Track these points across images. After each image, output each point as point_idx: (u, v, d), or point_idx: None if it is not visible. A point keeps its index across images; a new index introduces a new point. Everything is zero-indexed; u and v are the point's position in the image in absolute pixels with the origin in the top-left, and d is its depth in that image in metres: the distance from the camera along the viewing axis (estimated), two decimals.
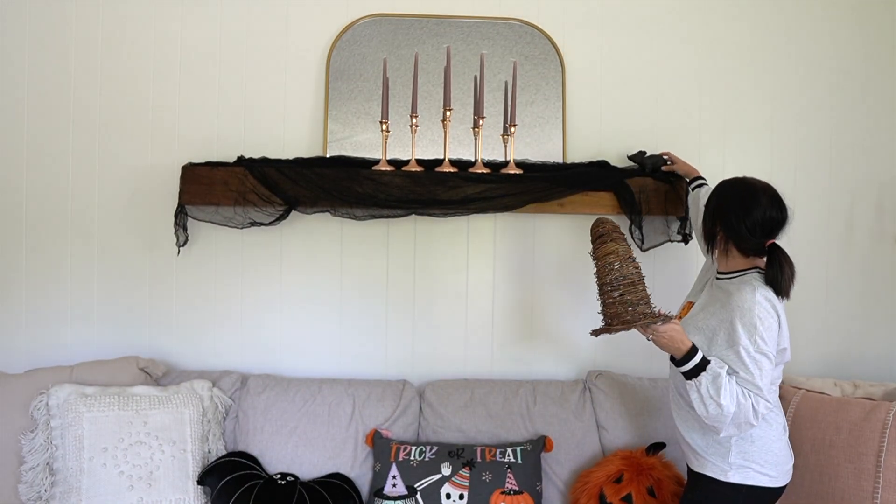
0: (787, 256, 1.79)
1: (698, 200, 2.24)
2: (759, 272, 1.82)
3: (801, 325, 2.60)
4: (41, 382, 2.24)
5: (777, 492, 1.82)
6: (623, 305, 1.79)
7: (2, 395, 2.21)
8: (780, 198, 1.82)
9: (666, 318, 1.75)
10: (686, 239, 2.43)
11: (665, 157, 2.43)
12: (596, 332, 1.86)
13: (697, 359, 1.72)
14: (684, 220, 2.42)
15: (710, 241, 1.90)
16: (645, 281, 1.84)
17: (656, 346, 1.78)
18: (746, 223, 1.78)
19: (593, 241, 1.93)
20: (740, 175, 1.91)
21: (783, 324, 1.78)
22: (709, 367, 1.72)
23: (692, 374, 1.73)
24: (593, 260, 1.92)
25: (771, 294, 1.77)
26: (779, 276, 1.76)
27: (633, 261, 1.84)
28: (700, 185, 2.31)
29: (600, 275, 1.87)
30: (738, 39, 2.62)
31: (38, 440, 2.16)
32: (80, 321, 2.54)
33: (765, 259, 1.83)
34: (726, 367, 1.74)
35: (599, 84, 2.60)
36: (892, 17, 2.63)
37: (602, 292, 1.86)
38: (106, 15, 2.53)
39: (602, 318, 1.87)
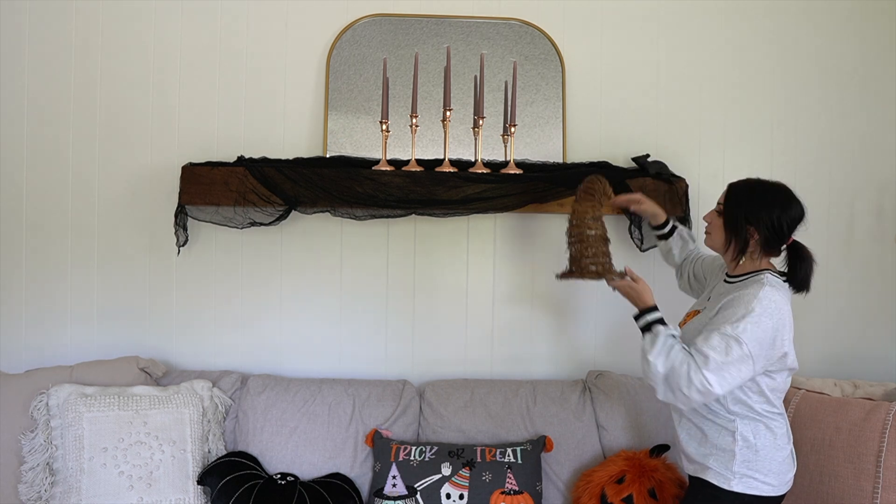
0: (809, 250, 1.82)
1: (682, 241, 2.22)
2: (770, 273, 1.80)
3: (802, 325, 2.58)
4: (41, 382, 2.24)
5: (776, 500, 1.81)
6: (581, 257, 2.01)
7: (2, 395, 2.21)
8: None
9: (620, 275, 1.92)
10: None
11: (622, 273, 2.00)
12: (559, 276, 2.09)
13: (649, 318, 1.81)
14: (684, 220, 2.42)
15: (742, 246, 1.82)
16: (605, 238, 2.02)
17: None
18: (787, 221, 1.78)
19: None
20: (728, 177, 1.94)
21: (786, 328, 1.73)
22: (655, 327, 1.78)
23: (645, 331, 1.81)
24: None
25: (778, 295, 1.74)
26: (808, 271, 1.80)
27: (596, 220, 2.02)
28: (674, 229, 2.23)
29: (569, 229, 2.08)
30: (738, 39, 2.62)
31: (38, 440, 2.16)
32: (80, 321, 2.54)
33: (771, 260, 1.85)
34: (676, 334, 1.78)
35: (599, 84, 2.60)
36: (891, 17, 2.63)
37: (568, 243, 2.09)
38: (106, 15, 2.53)
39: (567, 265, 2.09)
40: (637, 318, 1.85)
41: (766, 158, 2.62)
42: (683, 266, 2.22)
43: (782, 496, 1.82)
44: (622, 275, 1.92)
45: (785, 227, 1.79)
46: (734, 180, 1.90)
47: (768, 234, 1.79)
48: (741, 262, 1.85)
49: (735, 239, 1.83)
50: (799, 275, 1.81)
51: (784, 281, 1.82)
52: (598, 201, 2.04)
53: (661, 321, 1.81)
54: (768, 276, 1.79)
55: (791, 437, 1.86)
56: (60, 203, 2.53)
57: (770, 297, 1.73)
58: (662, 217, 2.20)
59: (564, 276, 2.07)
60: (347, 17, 2.56)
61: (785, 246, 1.83)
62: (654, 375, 1.74)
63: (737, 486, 1.77)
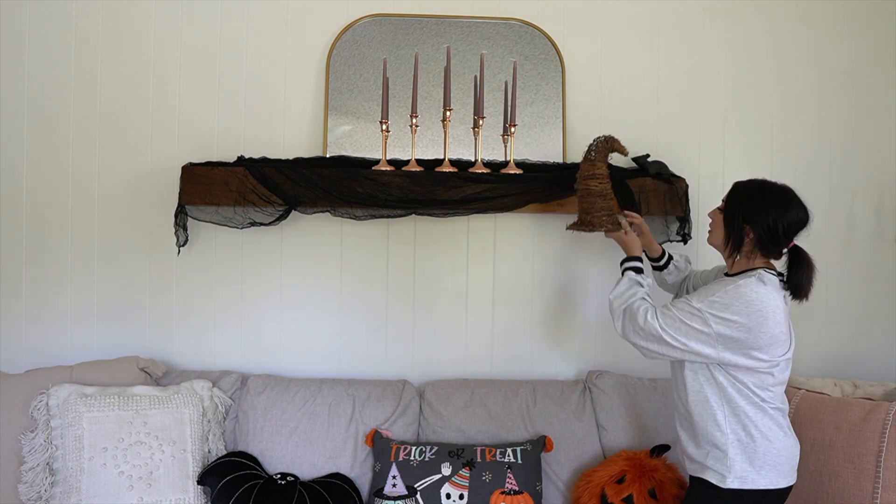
0: (810, 258, 1.82)
1: (678, 271, 2.21)
2: (764, 270, 1.81)
3: (801, 325, 2.60)
4: (41, 382, 2.24)
5: (782, 493, 1.80)
6: (583, 212, 2.15)
7: (2, 395, 2.21)
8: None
9: (617, 226, 2.10)
10: (685, 239, 2.43)
11: (630, 220, 2.18)
12: (568, 227, 2.22)
13: (627, 265, 2.01)
14: (684, 220, 2.42)
15: (737, 245, 1.85)
16: (604, 194, 2.11)
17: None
18: (783, 224, 1.78)
19: None
20: (743, 177, 1.92)
21: (767, 321, 1.73)
22: (627, 273, 1.99)
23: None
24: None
25: (765, 290, 1.75)
26: (805, 277, 1.80)
27: (594, 178, 2.11)
28: (668, 262, 2.22)
29: (576, 185, 2.18)
30: (738, 39, 2.62)
31: (38, 440, 2.16)
32: (80, 321, 2.54)
33: (771, 260, 1.85)
34: (644, 283, 1.95)
35: (599, 84, 2.60)
36: (891, 17, 2.63)
37: (577, 199, 2.19)
38: (106, 15, 2.53)
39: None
40: (622, 262, 2.05)
41: (766, 158, 2.62)
42: (681, 288, 2.23)
43: (787, 488, 1.81)
44: (619, 224, 2.11)
45: (780, 229, 1.79)
46: (739, 179, 1.91)
47: (763, 234, 1.80)
48: (737, 260, 1.87)
49: (731, 237, 1.85)
50: (794, 279, 1.81)
51: (781, 280, 1.83)
52: (597, 160, 2.12)
53: (635, 269, 2.00)
54: (760, 272, 1.80)
55: (789, 427, 1.85)
56: (60, 203, 2.53)
57: (753, 287, 1.75)
58: (658, 252, 2.21)
59: (571, 227, 2.21)
60: (347, 17, 2.56)
61: (786, 249, 1.83)
62: (613, 312, 1.94)
63: (732, 483, 1.78)
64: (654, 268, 2.25)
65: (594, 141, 2.12)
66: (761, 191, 1.84)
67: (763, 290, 1.75)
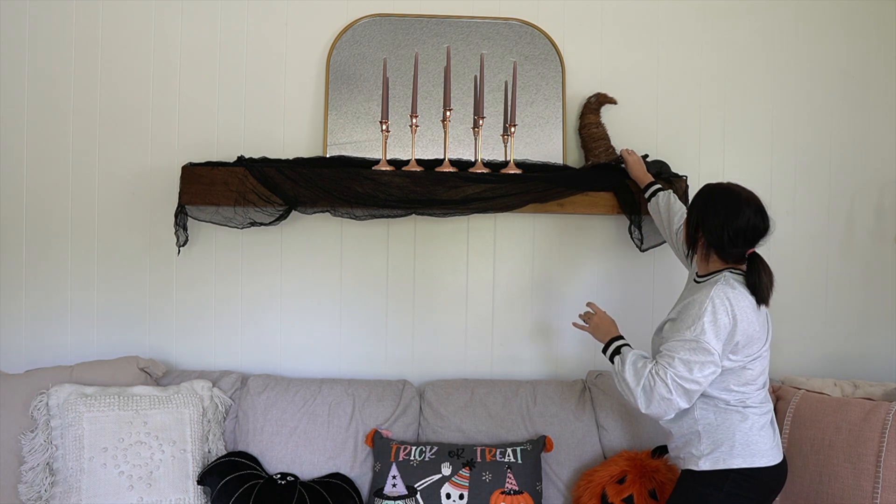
0: (766, 265, 1.82)
1: (659, 208, 2.24)
2: (731, 271, 1.83)
3: (801, 325, 2.61)
4: (41, 382, 2.24)
5: (765, 472, 1.79)
6: (587, 151, 2.51)
7: (2, 395, 2.21)
8: (763, 207, 1.83)
9: (614, 157, 2.42)
10: None
11: (619, 156, 2.42)
12: (579, 170, 2.47)
13: (614, 346, 1.92)
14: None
15: (691, 246, 1.90)
16: (601, 136, 2.47)
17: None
18: (729, 231, 1.79)
19: None
20: (726, 180, 1.92)
21: (741, 323, 1.75)
22: (623, 349, 1.88)
23: (611, 358, 1.91)
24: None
25: (734, 292, 1.77)
26: (758, 283, 1.79)
27: (592, 125, 2.50)
28: (656, 193, 2.28)
29: (581, 135, 2.55)
30: (738, 39, 2.62)
31: (38, 440, 2.16)
32: (80, 321, 2.54)
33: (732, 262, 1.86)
34: (636, 353, 1.84)
35: (599, 84, 2.60)
36: (892, 17, 2.63)
37: (584, 148, 2.53)
38: (106, 15, 2.53)
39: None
40: (604, 348, 1.95)
41: (765, 158, 2.62)
42: (668, 222, 2.23)
43: (771, 468, 1.80)
44: (620, 159, 2.40)
45: (726, 236, 1.80)
46: (733, 181, 1.91)
47: (710, 239, 1.83)
48: (708, 265, 1.88)
49: (689, 241, 1.90)
50: (749, 283, 1.81)
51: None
52: (591, 112, 2.51)
53: (628, 345, 1.92)
54: (726, 274, 1.82)
55: (773, 425, 1.85)
56: (60, 203, 2.53)
57: (725, 294, 1.76)
58: (642, 183, 2.33)
59: (585, 167, 2.48)
60: (347, 17, 2.56)
61: (747, 254, 1.84)
62: (632, 391, 1.79)
63: (705, 465, 1.80)
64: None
65: (586, 99, 2.52)
66: (715, 196, 1.85)
67: (733, 294, 1.77)
